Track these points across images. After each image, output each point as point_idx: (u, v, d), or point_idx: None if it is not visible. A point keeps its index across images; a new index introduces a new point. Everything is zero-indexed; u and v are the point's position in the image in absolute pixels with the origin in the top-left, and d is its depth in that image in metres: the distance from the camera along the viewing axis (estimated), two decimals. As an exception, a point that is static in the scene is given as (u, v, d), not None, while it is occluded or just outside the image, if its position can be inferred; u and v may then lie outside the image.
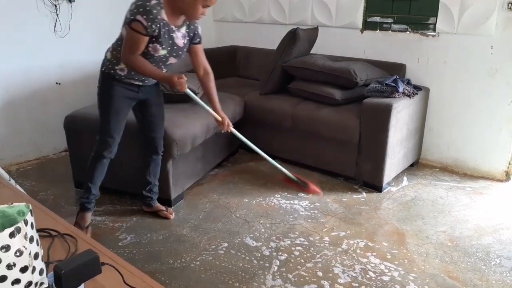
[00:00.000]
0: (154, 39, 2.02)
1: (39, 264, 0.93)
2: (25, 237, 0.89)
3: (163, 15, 1.99)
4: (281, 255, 2.24)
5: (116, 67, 2.17)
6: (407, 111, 2.96)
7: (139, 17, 1.93)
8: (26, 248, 0.88)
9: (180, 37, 2.12)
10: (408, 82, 3.11)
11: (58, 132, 3.28)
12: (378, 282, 2.03)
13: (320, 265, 2.16)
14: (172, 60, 2.18)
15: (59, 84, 3.57)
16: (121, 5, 3.81)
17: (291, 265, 2.16)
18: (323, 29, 3.68)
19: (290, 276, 2.07)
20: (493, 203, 2.85)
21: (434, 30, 3.25)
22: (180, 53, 2.18)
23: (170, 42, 2.08)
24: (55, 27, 3.40)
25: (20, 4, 3.17)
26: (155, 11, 1.94)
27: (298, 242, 2.36)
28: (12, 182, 2.17)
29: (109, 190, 2.86)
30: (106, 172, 2.66)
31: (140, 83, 2.24)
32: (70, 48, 3.54)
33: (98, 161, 2.33)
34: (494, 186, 3.10)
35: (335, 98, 3.10)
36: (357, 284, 2.01)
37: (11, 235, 0.86)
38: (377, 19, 3.53)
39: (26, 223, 0.90)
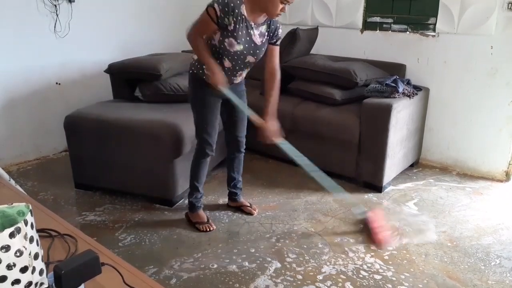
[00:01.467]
0: (229, 34, 2.06)
1: (39, 264, 0.93)
2: (25, 237, 0.89)
3: (243, 10, 2.03)
4: (281, 255, 2.24)
5: (204, 67, 2.19)
6: (407, 111, 2.96)
7: (216, 6, 2.00)
8: (26, 248, 0.88)
9: (258, 35, 2.13)
10: (408, 82, 3.11)
11: (58, 132, 3.28)
12: (378, 282, 2.02)
13: (320, 265, 2.16)
14: (250, 59, 2.18)
15: (59, 84, 3.57)
16: (121, 5, 3.84)
17: (291, 265, 2.16)
18: (323, 29, 3.68)
19: (290, 276, 2.07)
20: (493, 203, 2.85)
21: (434, 30, 3.25)
22: (258, 51, 2.18)
23: (248, 38, 2.10)
24: (55, 27, 3.41)
25: (20, 4, 3.17)
26: (232, 5, 1.99)
27: (298, 242, 2.36)
28: (12, 182, 2.17)
29: (109, 190, 2.86)
30: (106, 172, 2.66)
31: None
32: (70, 48, 3.54)
33: (201, 160, 2.42)
34: (494, 186, 3.10)
35: (335, 98, 3.10)
36: (357, 284, 2.01)
37: (11, 235, 0.86)
38: (377, 19, 3.53)
39: (26, 223, 0.90)
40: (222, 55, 2.14)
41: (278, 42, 2.26)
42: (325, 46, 3.76)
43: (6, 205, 0.97)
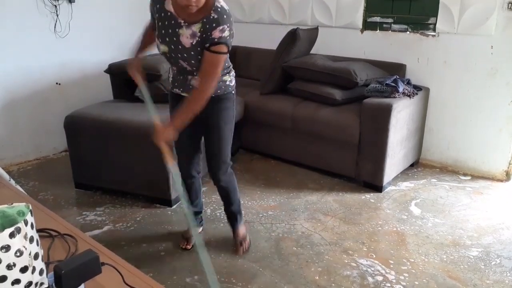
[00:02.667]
0: (156, 31, 1.85)
1: (39, 264, 0.93)
2: (25, 237, 0.89)
3: (167, 4, 1.76)
4: (281, 255, 2.24)
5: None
6: (407, 111, 2.96)
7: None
8: (26, 248, 0.88)
9: (189, 35, 1.75)
10: (408, 82, 3.11)
11: (58, 132, 3.28)
12: (378, 282, 2.03)
13: (320, 265, 2.16)
14: (183, 64, 1.84)
15: (59, 84, 3.57)
16: (121, 5, 3.84)
17: (291, 265, 2.16)
18: (323, 29, 3.67)
19: (290, 276, 2.07)
20: (493, 203, 2.85)
21: (434, 30, 3.25)
22: (186, 55, 1.80)
23: (174, 39, 1.78)
24: (55, 27, 3.41)
25: (20, 4, 3.17)
26: None
27: (298, 242, 2.36)
28: (12, 182, 2.17)
29: (109, 190, 2.87)
30: (107, 172, 2.66)
31: (184, 94, 1.98)
32: (70, 48, 3.54)
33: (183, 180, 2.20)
34: (494, 186, 3.10)
35: (335, 98, 3.10)
36: (357, 284, 2.01)
37: (11, 235, 0.86)
38: (377, 19, 3.53)
39: (26, 223, 0.90)
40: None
41: (214, 48, 1.73)
42: (325, 46, 3.76)
43: (6, 205, 0.97)
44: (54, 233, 1.26)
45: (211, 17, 1.70)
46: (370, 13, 3.56)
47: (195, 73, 1.87)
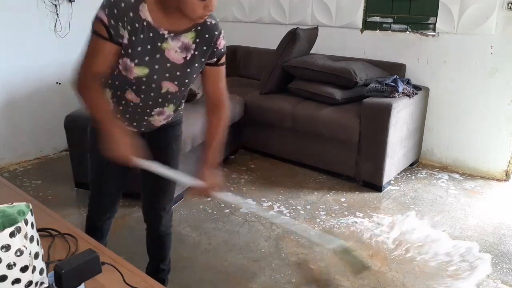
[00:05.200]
0: (123, 51, 1.31)
1: (39, 263, 0.94)
2: (25, 236, 0.89)
3: (143, 12, 1.27)
4: (281, 254, 2.24)
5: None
6: (407, 110, 2.97)
7: (100, 13, 1.28)
8: (26, 248, 0.89)
9: (178, 48, 1.34)
10: (408, 82, 3.11)
11: (59, 131, 3.28)
12: (378, 282, 2.03)
13: (319, 265, 2.16)
14: (170, 86, 1.40)
15: (60, 83, 3.57)
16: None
17: (291, 264, 2.16)
18: (323, 29, 3.68)
19: (290, 276, 2.07)
20: (493, 202, 2.85)
21: (434, 30, 3.26)
22: (179, 74, 1.38)
23: (157, 56, 1.33)
24: (55, 27, 3.41)
25: (20, 4, 3.17)
26: (123, 5, 1.24)
27: (298, 241, 2.36)
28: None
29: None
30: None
31: (134, 130, 1.54)
32: (71, 48, 3.53)
33: (90, 225, 1.82)
34: (494, 185, 3.10)
35: (335, 98, 3.10)
36: (357, 284, 2.01)
37: (12, 234, 0.86)
38: (377, 19, 3.53)
39: (26, 222, 0.90)
40: (121, 85, 1.40)
41: (223, 60, 1.45)
42: (325, 46, 3.76)
43: (6, 205, 0.98)
44: (54, 233, 1.26)
45: (208, 23, 1.36)
46: (370, 13, 3.56)
47: (174, 100, 1.48)
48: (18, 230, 0.87)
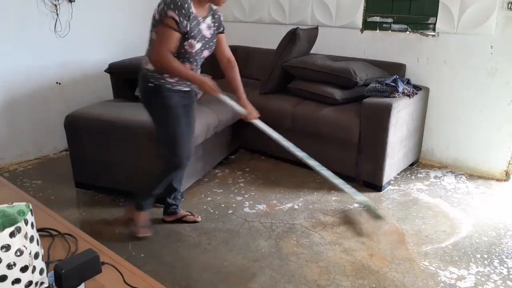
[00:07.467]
0: (187, 36, 1.99)
1: (39, 263, 0.94)
2: (26, 236, 0.89)
3: (192, 7, 1.97)
4: (281, 254, 2.24)
5: (165, 76, 2.09)
6: (407, 110, 2.97)
7: (171, 13, 1.90)
8: (26, 248, 0.89)
9: (205, 28, 2.08)
10: (408, 82, 3.11)
11: (59, 131, 3.28)
12: (378, 282, 2.03)
13: (319, 264, 2.16)
14: (205, 53, 2.16)
15: (60, 83, 3.57)
16: (121, 5, 3.84)
17: (291, 264, 2.16)
18: (323, 29, 3.68)
19: (290, 275, 2.07)
20: (493, 202, 2.85)
21: (434, 30, 3.26)
22: (211, 44, 2.15)
23: (201, 35, 2.05)
24: (55, 27, 3.41)
25: (20, 4, 3.17)
26: (186, 5, 1.92)
27: (298, 241, 2.37)
28: None
29: (109, 189, 2.87)
30: (107, 172, 2.65)
31: (188, 89, 2.20)
32: (70, 47, 3.55)
33: (172, 172, 2.26)
34: (494, 185, 3.11)
35: (335, 98, 3.10)
36: (357, 284, 2.02)
37: (12, 234, 0.86)
38: (377, 19, 3.53)
39: (26, 222, 0.90)
40: (183, 60, 2.07)
41: (224, 30, 2.24)
42: (325, 46, 3.76)
43: (6, 205, 0.98)
44: (54, 233, 1.26)
45: (214, 8, 2.15)
46: (370, 13, 3.56)
47: (201, 65, 2.22)
48: (18, 230, 0.87)
